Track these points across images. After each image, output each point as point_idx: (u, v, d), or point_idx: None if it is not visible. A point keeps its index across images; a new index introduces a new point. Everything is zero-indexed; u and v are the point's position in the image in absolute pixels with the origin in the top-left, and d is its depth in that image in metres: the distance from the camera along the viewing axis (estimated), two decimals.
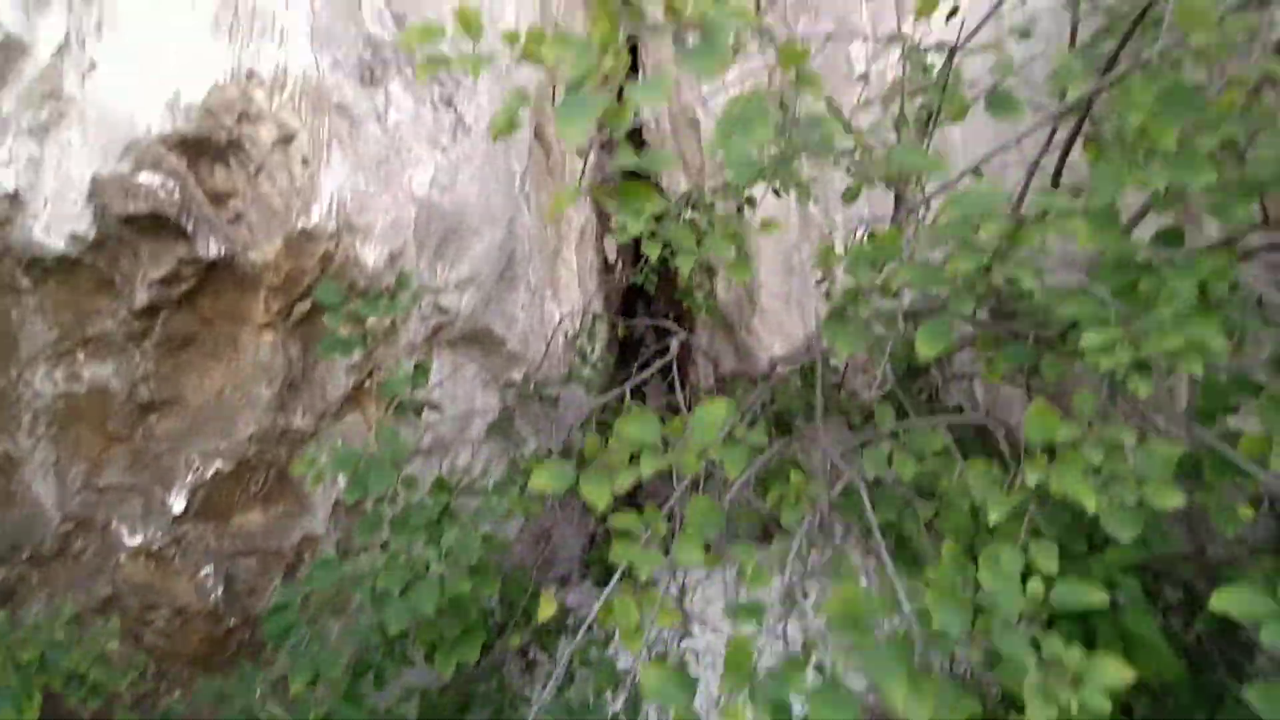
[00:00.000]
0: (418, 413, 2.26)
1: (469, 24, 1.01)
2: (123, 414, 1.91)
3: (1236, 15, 1.08)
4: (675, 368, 4.92)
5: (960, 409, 3.30)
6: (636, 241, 1.76)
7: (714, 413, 1.12)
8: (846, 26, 3.83)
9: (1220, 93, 1.19)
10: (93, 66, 1.59)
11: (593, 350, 3.85)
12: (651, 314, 5.14)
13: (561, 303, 4.20)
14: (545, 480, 1.20)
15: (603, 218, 4.90)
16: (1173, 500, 1.21)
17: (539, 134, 3.84)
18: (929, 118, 1.63)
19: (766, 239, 4.27)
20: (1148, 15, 1.23)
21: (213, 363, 2.01)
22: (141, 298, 1.78)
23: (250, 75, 1.79)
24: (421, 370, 2.19)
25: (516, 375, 3.45)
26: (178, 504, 2.02)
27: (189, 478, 2.02)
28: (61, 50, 1.54)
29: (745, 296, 4.64)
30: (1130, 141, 1.26)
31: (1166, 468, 1.21)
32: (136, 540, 2.05)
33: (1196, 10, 0.93)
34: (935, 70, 1.78)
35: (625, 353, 4.98)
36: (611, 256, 5.17)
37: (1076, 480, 1.18)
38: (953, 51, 1.62)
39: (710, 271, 4.68)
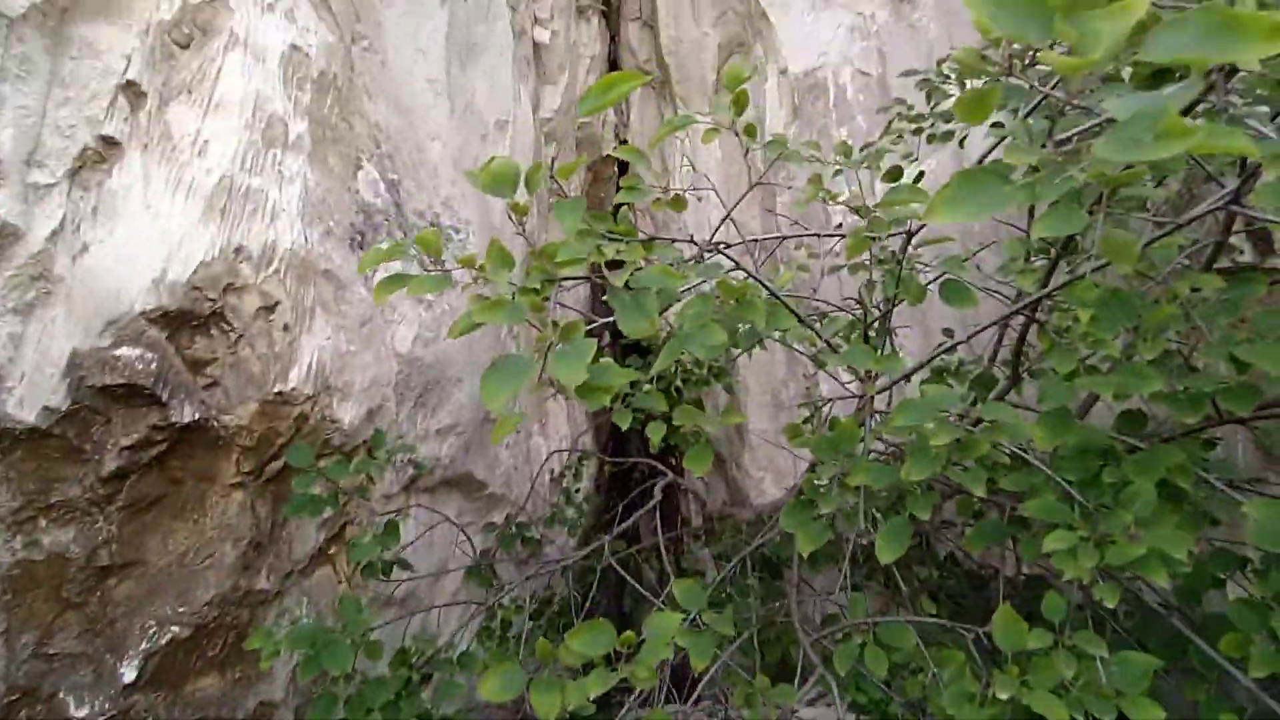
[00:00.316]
0: (386, 572, 2.20)
1: (428, 246, 1.06)
2: (80, 579, 1.85)
3: (1161, 240, 1.14)
4: (662, 508, 4.83)
5: (952, 558, 3.22)
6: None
7: (667, 623, 1.09)
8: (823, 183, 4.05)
9: (1159, 300, 1.24)
10: (84, 249, 1.66)
11: (578, 490, 3.80)
12: (645, 444, 5.12)
13: (550, 438, 4.20)
14: (494, 689, 1.14)
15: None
16: (1154, 714, 1.15)
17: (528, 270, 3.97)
18: (889, 300, 1.68)
19: (754, 376, 4.33)
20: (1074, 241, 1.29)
21: (178, 523, 1.98)
22: (110, 465, 1.77)
23: (239, 251, 1.86)
24: (392, 529, 2.16)
25: (498, 518, 3.39)
26: (129, 673, 1.92)
27: (143, 645, 1.94)
28: (55, 235, 1.61)
29: (735, 432, 4.63)
30: (1076, 338, 1.29)
31: (1143, 680, 1.16)
32: (83, 712, 1.94)
33: (1120, 244, 0.97)
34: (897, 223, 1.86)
35: (616, 485, 4.92)
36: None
37: (1048, 698, 1.13)
38: (910, 236, 1.69)
39: (698, 405, 4.70)
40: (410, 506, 2.63)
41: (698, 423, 1.33)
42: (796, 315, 1.31)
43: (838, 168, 2.41)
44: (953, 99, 2.77)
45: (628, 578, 2.40)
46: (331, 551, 2.30)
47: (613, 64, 5.05)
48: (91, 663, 1.92)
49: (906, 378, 1.51)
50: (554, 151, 4.28)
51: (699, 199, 4.56)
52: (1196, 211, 1.10)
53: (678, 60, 4.76)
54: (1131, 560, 1.11)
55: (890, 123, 2.66)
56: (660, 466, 3.53)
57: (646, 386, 2.23)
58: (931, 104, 2.77)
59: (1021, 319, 1.93)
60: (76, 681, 1.90)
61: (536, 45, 4.06)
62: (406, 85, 2.89)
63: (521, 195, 0.85)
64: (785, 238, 1.61)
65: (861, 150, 2.24)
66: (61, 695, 1.96)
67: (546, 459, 3.88)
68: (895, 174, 2.76)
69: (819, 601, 3.20)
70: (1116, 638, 1.88)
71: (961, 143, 2.70)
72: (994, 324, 1.37)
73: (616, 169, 5.19)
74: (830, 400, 2.12)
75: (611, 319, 0.98)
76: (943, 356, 2.48)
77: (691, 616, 1.55)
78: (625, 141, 5.06)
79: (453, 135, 3.08)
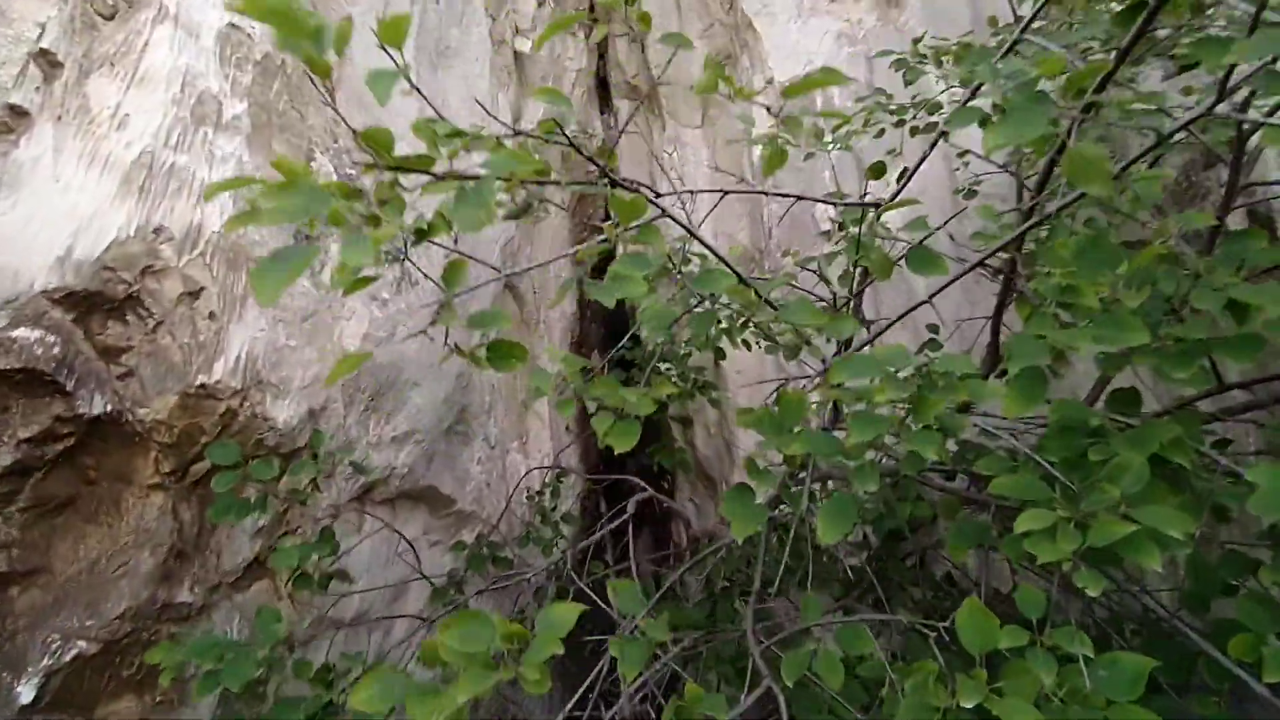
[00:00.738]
0: (323, 586, 2.04)
1: (289, 172, 0.92)
2: None
3: (1140, 169, 0.99)
4: (655, 531, 4.60)
5: (949, 578, 3.01)
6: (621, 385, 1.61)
7: (562, 615, 0.92)
8: (812, 185, 3.93)
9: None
10: None
11: (555, 508, 3.62)
12: (637, 463, 4.92)
13: (530, 456, 4.03)
14: (366, 698, 0.97)
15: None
16: None
17: (509, 285, 3.85)
18: (855, 275, 1.53)
19: (742, 390, 4.16)
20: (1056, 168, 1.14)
21: (90, 528, 1.82)
22: (6, 459, 1.63)
23: (158, 231, 1.74)
24: (327, 538, 2.00)
25: (469, 536, 3.21)
26: (27, 693, 1.75)
27: (45, 661, 1.77)
28: None
29: (724, 449, 4.45)
30: (1053, 299, 1.13)
31: (1135, 686, 0.97)
32: None
33: (1087, 161, 0.82)
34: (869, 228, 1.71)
35: (608, 506, 4.71)
36: (591, 406, 5.02)
37: (1022, 707, 0.94)
38: (877, 207, 1.55)
39: (686, 423, 4.52)
40: (360, 516, 2.46)
41: (625, 402, 1.17)
42: (735, 272, 1.16)
43: (810, 152, 2.29)
44: (940, 91, 2.66)
45: (591, 594, 2.22)
46: (269, 564, 2.13)
47: (601, 79, 5.00)
48: None
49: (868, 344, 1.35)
50: (549, 152, 4.19)
51: (689, 212, 4.44)
52: (1182, 121, 0.95)
53: (665, 74, 4.69)
54: (1118, 540, 0.94)
55: (869, 115, 2.54)
56: (641, 484, 3.35)
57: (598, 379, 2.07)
58: (913, 95, 2.66)
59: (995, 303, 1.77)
60: None
61: (518, 55, 4.00)
62: None
63: (328, 55, 0.71)
64: (727, 192, 1.47)
65: (834, 131, 2.12)
66: None
67: (524, 476, 3.71)
68: (879, 169, 2.63)
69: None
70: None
71: (945, 136, 2.58)
72: (957, 277, 1.21)
73: (607, 185, 5.09)
74: (788, 379, 1.95)
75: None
76: (927, 352, 2.32)
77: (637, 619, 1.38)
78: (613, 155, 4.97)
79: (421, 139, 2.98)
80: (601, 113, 4.99)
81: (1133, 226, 1.74)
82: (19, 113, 1.63)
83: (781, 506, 1.66)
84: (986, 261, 1.90)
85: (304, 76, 2.35)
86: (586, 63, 4.73)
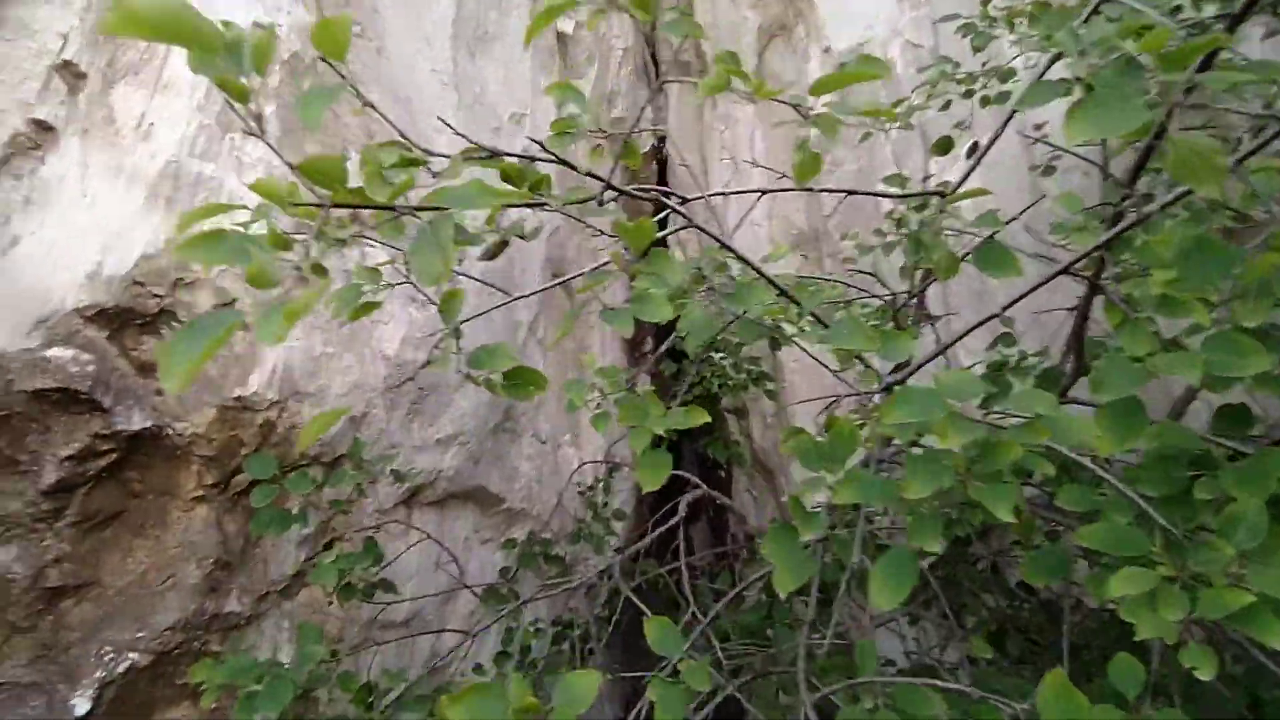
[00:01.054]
0: (368, 595, 2.01)
1: (269, 193, 0.85)
2: (26, 602, 1.73)
3: (1258, 158, 0.81)
4: (714, 526, 4.48)
5: (1025, 585, 2.82)
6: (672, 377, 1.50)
7: (581, 687, 0.82)
8: (873, 163, 3.69)
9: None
10: (15, 242, 1.53)
11: (606, 504, 3.55)
12: (697, 459, 4.80)
13: (583, 449, 3.97)
14: None
15: (632, 353, 4.72)
16: None
17: (557, 275, 3.76)
18: (915, 271, 1.38)
19: (801, 380, 3.99)
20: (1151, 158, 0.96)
21: (138, 540, 1.84)
22: (50, 476, 1.64)
23: None
24: (370, 548, 1.97)
25: (520, 534, 3.18)
26: (82, 704, 1.78)
27: (98, 673, 1.79)
28: None
29: None
30: (1151, 309, 0.96)
31: None
32: None
33: (1197, 155, 0.66)
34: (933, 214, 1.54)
35: (665, 501, 4.62)
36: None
37: None
38: (941, 196, 1.38)
39: (742, 414, 4.38)
40: (408, 517, 2.44)
41: (652, 422, 1.06)
42: (775, 285, 1.03)
43: (867, 132, 2.11)
44: (1014, 57, 2.42)
45: (634, 599, 2.13)
46: (309, 579, 2.12)
47: (650, 55, 4.83)
48: (43, 693, 1.79)
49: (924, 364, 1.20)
50: (583, 148, 4.08)
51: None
52: None
53: (715, 47, 4.49)
54: (1234, 613, 0.78)
55: (934, 85, 2.32)
56: (695, 480, 3.25)
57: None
58: (984, 62, 2.42)
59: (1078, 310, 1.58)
60: (26, 713, 1.77)
61: (560, 35, 3.87)
62: (408, 75, 2.74)
63: (248, 76, 0.61)
64: (765, 192, 1.33)
65: (895, 106, 1.93)
66: None
67: (575, 470, 3.64)
68: (945, 145, 2.41)
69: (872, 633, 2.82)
70: (1218, 700, 1.50)
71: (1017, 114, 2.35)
72: (1042, 282, 1.05)
73: (656, 168, 4.94)
74: (837, 398, 1.80)
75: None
76: (1000, 350, 2.12)
77: (672, 663, 1.28)
78: (663, 140, 4.82)
79: (461, 128, 2.91)
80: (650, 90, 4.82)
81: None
82: (45, 128, 1.61)
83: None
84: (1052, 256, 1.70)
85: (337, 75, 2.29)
86: (633, 40, 4.56)
